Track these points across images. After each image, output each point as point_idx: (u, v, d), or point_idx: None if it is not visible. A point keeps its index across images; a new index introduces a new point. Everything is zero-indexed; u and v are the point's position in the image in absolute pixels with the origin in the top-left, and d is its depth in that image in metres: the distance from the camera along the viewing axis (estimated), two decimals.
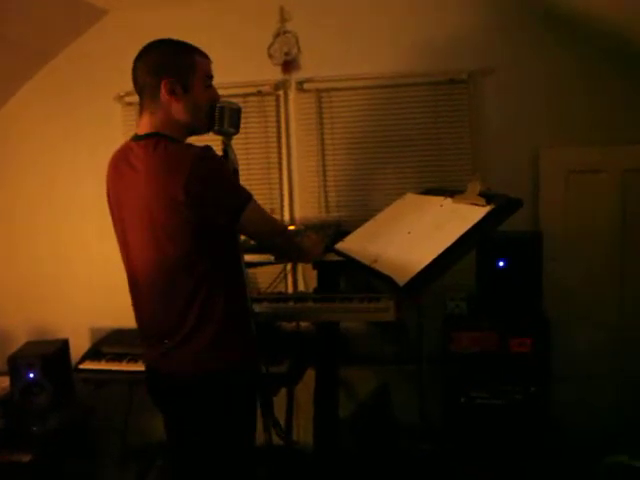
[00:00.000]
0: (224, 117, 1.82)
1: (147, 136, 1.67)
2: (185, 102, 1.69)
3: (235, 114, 1.85)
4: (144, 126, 1.70)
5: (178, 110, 1.69)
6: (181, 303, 1.66)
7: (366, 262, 2.06)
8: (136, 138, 1.71)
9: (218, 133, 1.85)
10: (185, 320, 1.67)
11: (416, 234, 2.03)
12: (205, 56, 1.76)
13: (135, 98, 3.00)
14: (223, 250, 1.72)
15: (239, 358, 1.76)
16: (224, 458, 1.74)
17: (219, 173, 1.65)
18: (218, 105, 1.81)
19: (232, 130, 1.86)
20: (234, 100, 1.87)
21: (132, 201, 1.68)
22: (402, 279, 1.79)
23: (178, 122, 1.70)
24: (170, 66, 1.67)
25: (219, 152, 1.83)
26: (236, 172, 1.87)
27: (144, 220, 1.64)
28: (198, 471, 1.79)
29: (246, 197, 1.68)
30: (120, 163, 1.74)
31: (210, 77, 1.77)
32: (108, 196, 1.81)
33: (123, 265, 1.81)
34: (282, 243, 1.96)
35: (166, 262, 1.65)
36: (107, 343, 2.96)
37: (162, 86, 1.65)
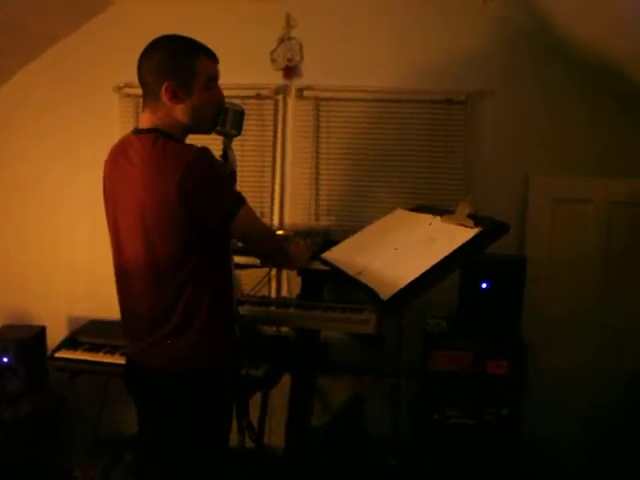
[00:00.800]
0: (227, 118, 1.82)
1: (147, 131, 1.68)
2: (186, 105, 1.68)
3: (238, 116, 1.86)
4: (145, 121, 1.71)
5: (179, 112, 1.69)
6: (168, 299, 1.67)
7: (351, 273, 2.07)
8: (136, 132, 1.72)
9: (219, 134, 1.85)
10: (171, 316, 1.67)
11: (403, 250, 2.05)
12: (211, 57, 1.74)
13: (133, 90, 3.08)
14: (213, 250, 1.72)
15: (223, 359, 1.77)
16: (196, 457, 1.74)
17: (214, 174, 1.66)
18: (223, 105, 1.80)
19: (234, 132, 1.86)
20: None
21: (126, 194, 1.68)
22: (386, 293, 1.80)
23: (178, 122, 1.70)
24: (173, 69, 1.66)
25: (219, 152, 1.84)
26: (234, 173, 1.88)
27: (136, 214, 1.64)
28: (168, 468, 1.78)
29: (239, 200, 1.69)
30: (118, 156, 1.74)
31: (214, 79, 1.75)
32: (104, 187, 1.81)
33: (112, 257, 1.81)
34: (270, 248, 1.98)
35: (155, 258, 1.65)
36: (85, 333, 2.94)
37: (163, 89, 1.65)
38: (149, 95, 1.70)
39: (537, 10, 2.76)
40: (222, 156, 1.85)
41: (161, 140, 1.63)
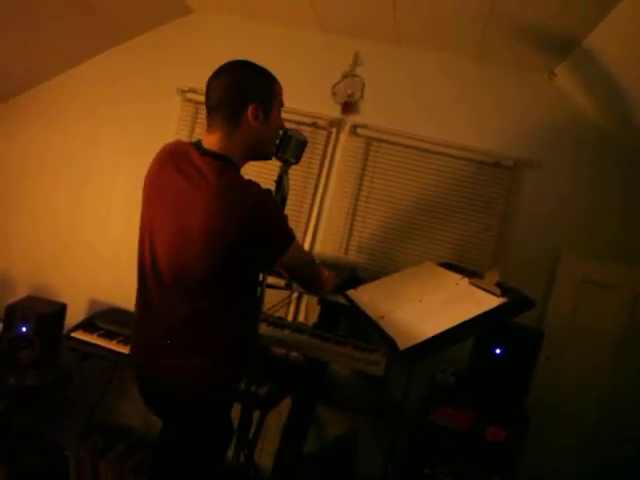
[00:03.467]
0: (289, 146, 1.85)
1: (214, 156, 1.67)
2: (265, 127, 1.72)
3: (300, 145, 1.89)
4: (214, 143, 1.69)
5: (257, 133, 1.71)
6: (191, 315, 1.68)
7: (373, 316, 2.11)
8: (202, 151, 1.69)
9: (278, 159, 1.88)
10: (188, 331, 1.68)
11: (427, 304, 2.09)
12: (279, 83, 1.78)
13: (196, 96, 3.19)
14: (249, 276, 1.76)
15: (226, 380, 1.78)
16: (191, 471, 1.77)
17: (274, 219, 1.69)
18: (287, 132, 1.84)
19: (293, 160, 1.90)
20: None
21: (174, 207, 1.67)
22: (403, 344, 1.84)
23: (249, 146, 1.73)
24: (257, 90, 1.69)
25: (274, 177, 1.89)
26: (284, 200, 1.90)
27: (183, 230, 1.64)
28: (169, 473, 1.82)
29: (290, 238, 1.73)
30: (169, 163, 1.72)
31: (283, 104, 1.80)
32: (145, 188, 1.80)
33: (138, 257, 1.80)
34: (309, 274, 2.00)
35: (188, 274, 1.66)
36: (103, 318, 3.00)
37: (249, 110, 1.67)
38: (223, 116, 1.69)
39: (599, 97, 2.83)
40: (277, 181, 1.88)
41: (229, 172, 1.65)
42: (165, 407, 1.79)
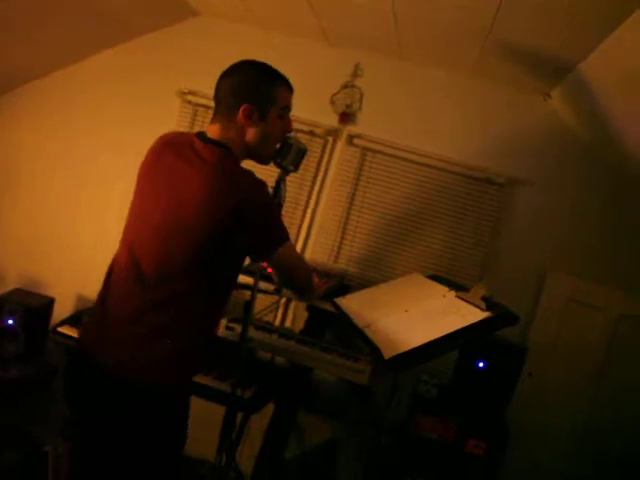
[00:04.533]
0: (289, 153, 1.87)
1: (217, 143, 1.70)
2: (258, 129, 1.73)
3: (300, 154, 1.90)
4: (215, 133, 1.73)
5: (250, 134, 1.73)
6: (160, 298, 1.65)
7: (359, 324, 2.14)
8: (204, 138, 1.72)
9: (277, 165, 1.89)
10: (158, 315, 1.64)
11: (413, 315, 2.11)
12: (288, 87, 1.80)
13: (195, 98, 3.22)
14: (227, 263, 1.73)
15: (183, 374, 1.75)
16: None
17: (268, 209, 1.70)
18: (288, 140, 1.85)
19: (291, 168, 1.91)
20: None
21: (169, 190, 1.67)
22: (388, 353, 1.86)
23: (245, 144, 1.74)
24: (252, 92, 1.71)
25: (271, 182, 1.87)
26: (280, 206, 1.91)
27: (174, 207, 1.64)
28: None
29: (284, 236, 1.73)
30: (173, 149, 1.74)
31: (287, 108, 1.80)
32: (141, 172, 1.80)
33: (123, 232, 1.79)
34: (301, 279, 1.96)
35: (168, 258, 1.65)
36: (90, 314, 2.99)
37: (241, 109, 1.69)
38: (224, 112, 1.73)
39: (590, 121, 2.88)
40: (274, 188, 1.88)
41: (230, 160, 1.68)
42: (110, 398, 1.66)
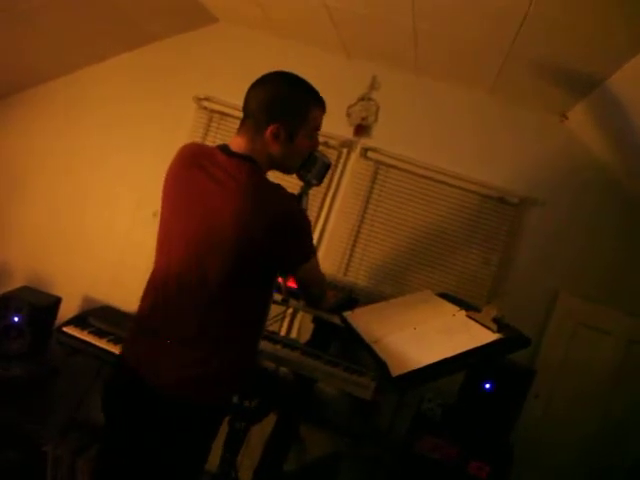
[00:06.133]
0: (314, 167, 1.83)
1: (242, 157, 1.66)
2: (285, 149, 1.68)
3: (324, 168, 1.87)
4: (240, 146, 1.68)
5: (276, 152, 1.68)
6: (210, 321, 1.65)
7: (367, 340, 2.11)
8: (228, 152, 1.68)
9: (300, 178, 1.86)
10: (211, 337, 1.65)
11: (422, 332, 2.08)
12: (322, 108, 1.73)
13: (211, 105, 3.22)
14: (262, 283, 1.73)
15: (232, 393, 1.79)
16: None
17: (303, 226, 1.67)
18: (314, 153, 1.81)
19: (315, 182, 1.88)
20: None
21: (199, 208, 1.64)
22: (396, 370, 1.83)
23: (270, 157, 1.70)
24: (284, 111, 1.65)
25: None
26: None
27: (203, 231, 1.63)
28: None
29: (312, 251, 1.73)
30: (193, 163, 1.70)
31: (318, 129, 1.76)
32: (166, 188, 1.75)
33: (155, 257, 1.77)
34: (316, 293, 1.96)
35: (205, 276, 1.63)
36: (96, 316, 2.99)
37: (270, 129, 1.64)
38: (252, 125, 1.68)
39: (611, 142, 2.85)
40: (297, 199, 1.85)
41: (258, 175, 1.65)
42: (154, 415, 1.66)
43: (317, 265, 1.85)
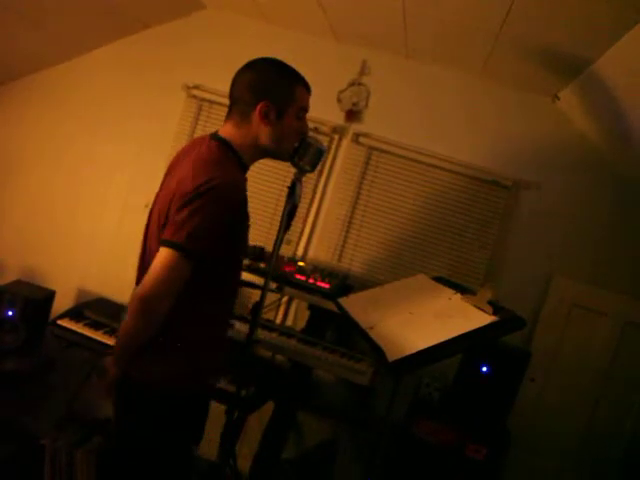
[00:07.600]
0: (307, 153, 1.81)
1: (220, 139, 1.68)
2: (274, 128, 1.69)
3: (318, 155, 1.84)
4: (226, 131, 1.71)
5: (264, 134, 1.69)
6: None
7: (363, 326, 2.11)
8: (213, 136, 1.71)
9: (294, 165, 1.83)
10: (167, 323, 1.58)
11: (418, 317, 2.08)
12: (308, 89, 1.76)
13: (201, 93, 3.19)
14: (211, 273, 1.63)
15: (197, 378, 1.73)
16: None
17: (200, 207, 1.52)
18: (307, 139, 1.80)
19: (308, 168, 1.84)
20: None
21: (164, 190, 1.69)
22: (392, 355, 1.83)
23: (257, 144, 1.70)
24: (271, 90, 1.67)
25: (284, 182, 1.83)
26: (295, 207, 1.85)
27: (157, 211, 1.67)
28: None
29: (181, 244, 1.51)
30: (182, 152, 1.76)
31: (305, 110, 1.77)
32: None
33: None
34: (152, 289, 1.56)
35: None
36: (90, 308, 2.98)
37: (259, 107, 1.65)
38: (238, 109, 1.70)
39: (600, 123, 2.84)
40: (290, 188, 1.82)
41: (220, 152, 1.65)
42: (132, 404, 1.68)
43: (170, 269, 1.53)
